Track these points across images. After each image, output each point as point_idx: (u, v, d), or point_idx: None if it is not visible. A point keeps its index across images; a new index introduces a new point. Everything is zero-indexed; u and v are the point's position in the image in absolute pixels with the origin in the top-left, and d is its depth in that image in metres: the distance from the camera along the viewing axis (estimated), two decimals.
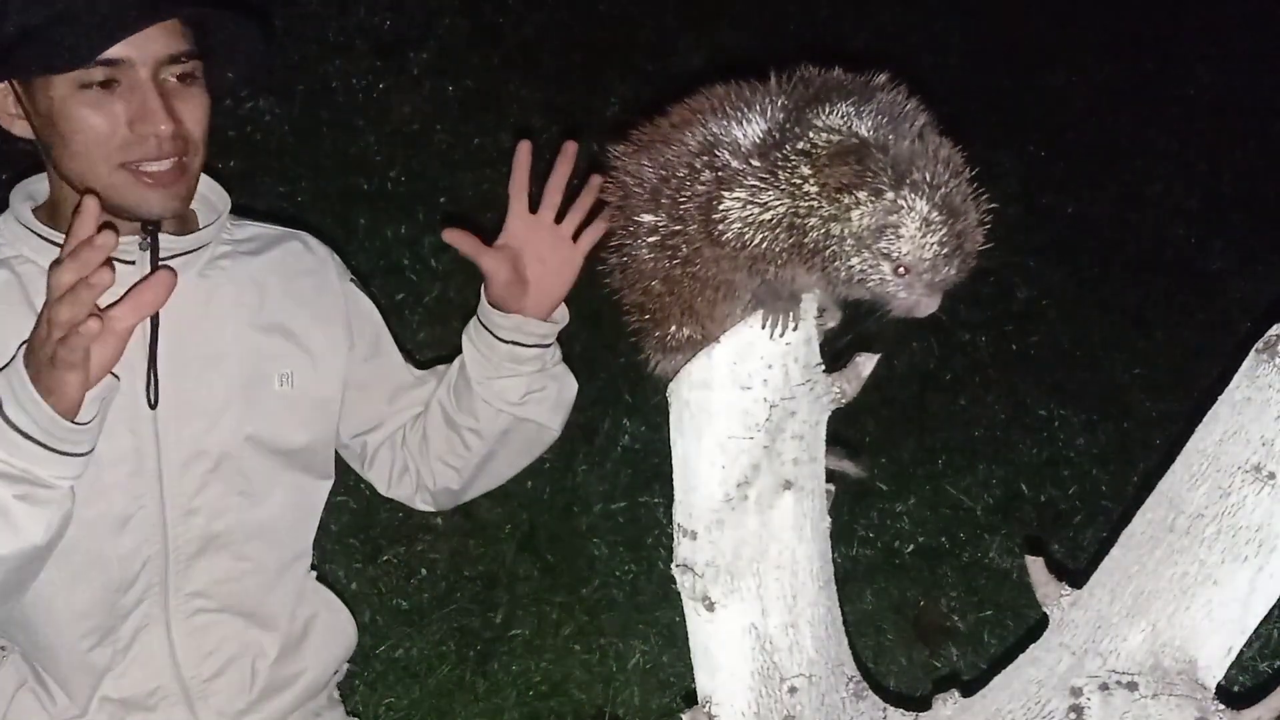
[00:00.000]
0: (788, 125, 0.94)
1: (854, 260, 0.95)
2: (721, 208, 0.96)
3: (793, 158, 0.93)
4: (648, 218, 1.02)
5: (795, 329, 0.99)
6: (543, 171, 1.48)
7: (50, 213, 1.42)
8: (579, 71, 3.70)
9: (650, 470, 2.84)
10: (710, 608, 1.03)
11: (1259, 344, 0.93)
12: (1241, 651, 0.97)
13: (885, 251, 0.94)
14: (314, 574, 1.63)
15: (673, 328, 1.07)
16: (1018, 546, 2.79)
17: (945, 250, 0.93)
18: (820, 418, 1.03)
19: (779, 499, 1.01)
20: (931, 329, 3.16)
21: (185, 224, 1.46)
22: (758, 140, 0.95)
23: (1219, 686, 0.97)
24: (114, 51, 1.28)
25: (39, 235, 1.39)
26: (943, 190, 0.92)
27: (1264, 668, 2.47)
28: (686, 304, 1.04)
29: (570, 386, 1.59)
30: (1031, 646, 1.03)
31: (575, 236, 1.48)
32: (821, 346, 1.03)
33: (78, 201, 1.36)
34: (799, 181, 0.93)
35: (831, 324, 1.05)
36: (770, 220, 0.95)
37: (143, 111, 1.31)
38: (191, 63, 1.35)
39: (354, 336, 1.56)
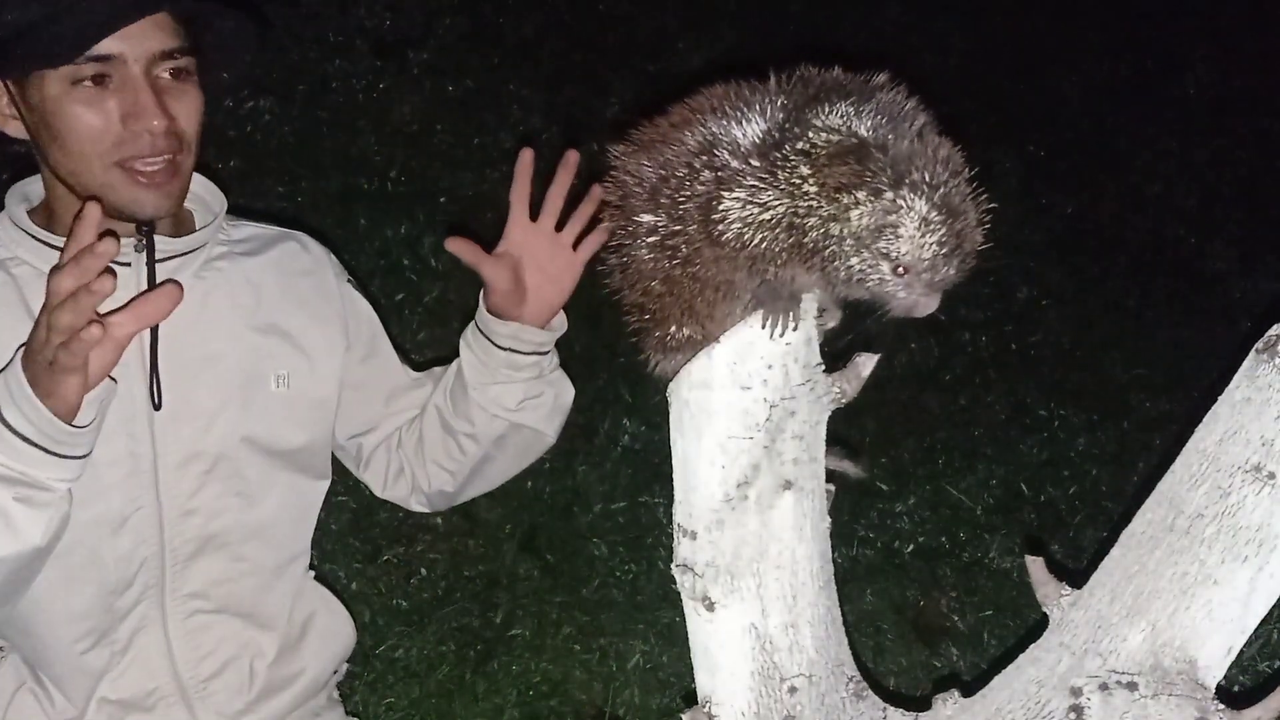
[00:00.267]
0: (787, 125, 0.94)
1: (853, 260, 0.95)
2: (721, 208, 0.96)
3: (792, 158, 0.93)
4: (647, 218, 1.02)
5: (795, 329, 0.99)
6: (540, 174, 1.48)
7: (45, 215, 1.41)
8: (579, 71, 3.70)
9: (650, 470, 2.84)
10: (710, 608, 1.03)
11: (1259, 344, 0.93)
12: (1241, 651, 0.97)
13: (884, 251, 0.94)
14: (312, 573, 1.63)
15: (673, 328, 1.07)
16: (1018, 546, 2.80)
17: (944, 250, 0.93)
18: (820, 418, 1.03)
19: (779, 499, 1.01)
20: (931, 329, 3.16)
21: (181, 225, 1.46)
22: (757, 140, 0.95)
23: (1219, 686, 0.97)
24: (106, 47, 1.28)
25: (34, 238, 1.38)
26: (942, 190, 0.92)
27: (1264, 668, 2.47)
28: (686, 304, 1.04)
29: (567, 392, 1.59)
30: (1031, 646, 1.03)
31: (575, 245, 1.48)
32: (821, 346, 1.03)
33: (73, 203, 1.37)
34: (798, 181, 0.93)
35: (831, 324, 1.05)
36: (770, 220, 0.95)
37: (135, 108, 1.30)
38: (185, 59, 1.34)
39: (350, 337, 1.56)
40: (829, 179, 0.92)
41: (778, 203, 0.94)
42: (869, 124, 0.93)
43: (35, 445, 1.16)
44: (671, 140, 1.00)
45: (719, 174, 0.96)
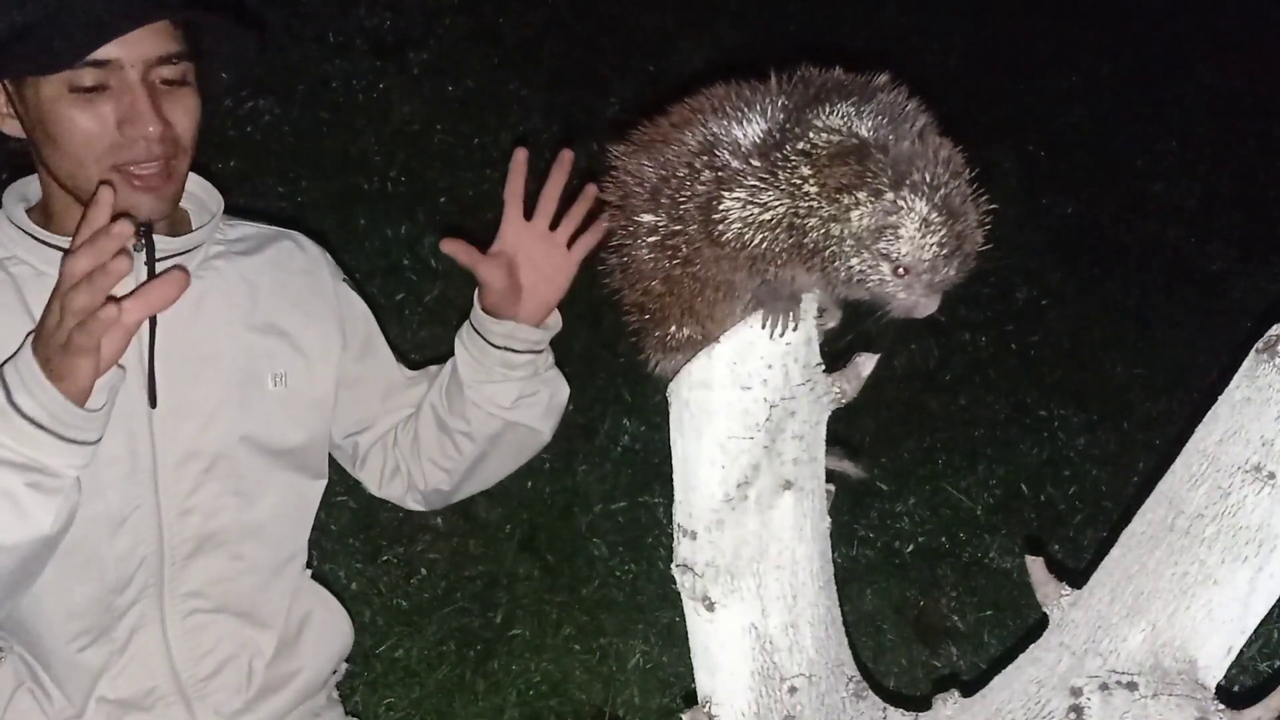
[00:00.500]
0: (788, 125, 0.94)
1: (854, 260, 0.95)
2: (721, 208, 0.96)
3: (793, 158, 0.93)
4: (647, 218, 1.02)
5: (795, 329, 0.99)
6: (540, 173, 1.49)
7: (42, 215, 1.42)
8: (579, 71, 3.70)
9: (650, 470, 2.84)
10: (710, 608, 1.03)
11: (1259, 344, 0.93)
12: (1241, 651, 0.97)
13: (885, 252, 0.94)
14: (309, 572, 1.63)
15: (673, 328, 1.07)
16: (1018, 546, 2.80)
17: (945, 251, 0.93)
18: (820, 418, 1.03)
19: (779, 499, 1.01)
20: (931, 329, 3.15)
21: (178, 224, 1.46)
22: (758, 140, 0.95)
23: (1219, 686, 0.97)
24: (103, 52, 1.28)
25: (33, 237, 1.38)
26: (942, 191, 0.92)
27: (1264, 668, 2.47)
28: (686, 304, 1.04)
29: (562, 391, 1.59)
30: (1031, 646, 1.03)
31: (570, 244, 1.48)
32: (821, 346, 1.03)
33: (69, 203, 1.37)
34: (799, 182, 0.93)
35: (831, 324, 1.05)
36: (770, 220, 0.95)
37: (132, 113, 1.31)
38: (182, 64, 1.34)
39: (346, 336, 1.56)
40: (830, 179, 0.92)
41: (778, 203, 0.94)
42: (870, 124, 0.93)
43: (45, 430, 1.16)
44: (672, 140, 1.00)
45: (719, 174, 0.96)
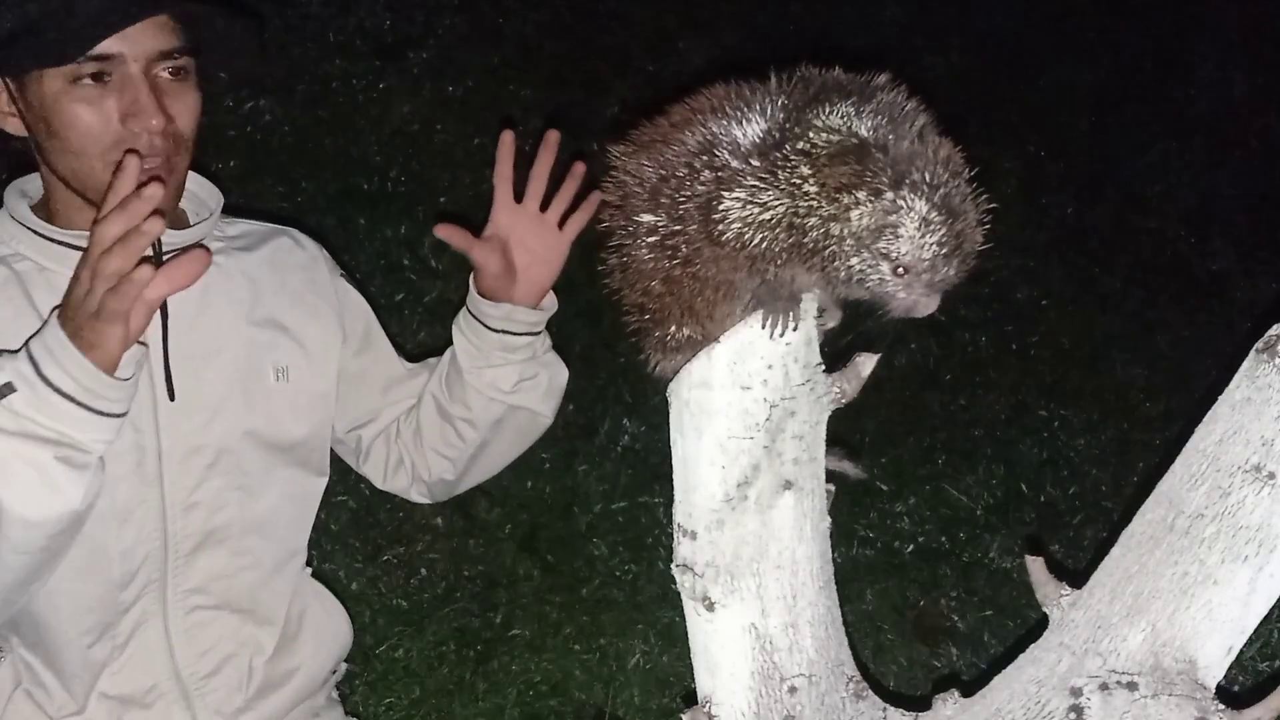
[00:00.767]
0: (788, 125, 0.94)
1: (853, 260, 0.95)
2: (721, 208, 0.96)
3: (792, 158, 0.93)
4: (647, 218, 1.02)
5: (795, 329, 0.99)
6: (532, 163, 1.50)
7: (44, 211, 1.42)
8: (579, 71, 3.70)
9: (650, 470, 2.84)
10: (710, 608, 1.03)
11: (1259, 344, 0.93)
12: (1241, 651, 0.97)
13: (884, 252, 0.94)
14: (309, 571, 1.64)
15: (673, 328, 1.07)
16: (1018, 546, 2.79)
17: (944, 250, 0.93)
18: (820, 418, 1.03)
19: (779, 499, 1.01)
20: (931, 329, 3.15)
21: (176, 222, 1.46)
22: (758, 140, 0.95)
23: (1219, 686, 0.97)
24: (106, 46, 1.29)
25: (36, 232, 1.39)
26: (942, 190, 0.92)
27: (1264, 668, 2.47)
28: (686, 304, 1.04)
29: (561, 373, 1.60)
30: (1031, 646, 1.03)
31: (561, 224, 1.49)
32: (821, 346, 1.03)
33: (71, 199, 1.37)
34: (799, 181, 0.93)
35: (831, 324, 1.05)
36: (770, 220, 0.95)
37: (134, 107, 1.31)
38: (184, 59, 1.35)
39: (346, 330, 1.57)
40: (829, 179, 0.92)
41: (778, 203, 0.94)
42: (869, 124, 0.93)
43: (76, 402, 1.16)
44: (672, 140, 1.00)
45: (719, 174, 0.96)
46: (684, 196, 0.98)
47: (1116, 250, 3.66)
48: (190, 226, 1.46)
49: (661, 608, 2.56)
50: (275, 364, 1.49)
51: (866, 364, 1.04)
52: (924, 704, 1.08)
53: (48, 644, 1.44)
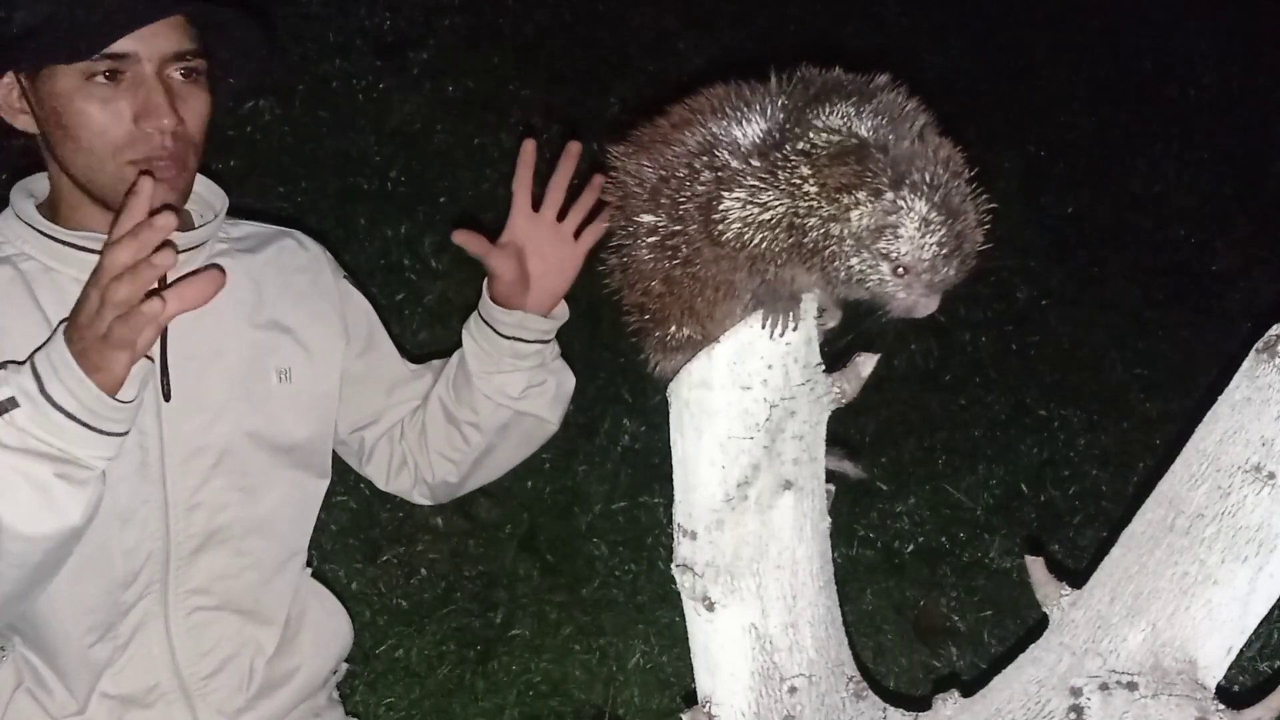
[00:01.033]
0: (788, 125, 0.94)
1: (853, 260, 0.95)
2: (721, 208, 0.96)
3: (792, 158, 0.93)
4: (648, 218, 1.02)
5: (795, 329, 0.99)
6: (543, 171, 1.50)
7: (50, 211, 1.42)
8: (579, 71, 3.70)
9: (650, 470, 2.84)
10: (710, 608, 1.03)
11: (1259, 344, 0.93)
12: (1241, 651, 0.97)
13: (884, 252, 0.94)
14: (309, 571, 1.64)
15: (673, 328, 1.07)
16: (1018, 546, 2.80)
17: (944, 251, 0.93)
18: (820, 418, 1.03)
19: (779, 499, 1.01)
20: (931, 329, 3.15)
21: (181, 222, 1.46)
22: (758, 140, 0.95)
23: (1219, 686, 0.97)
24: (120, 46, 1.29)
25: (42, 233, 1.39)
26: (942, 191, 0.92)
27: (1264, 668, 2.47)
28: (686, 304, 1.04)
29: (568, 381, 1.61)
30: (1031, 646, 1.03)
31: (577, 235, 1.49)
32: (821, 346, 1.03)
33: (79, 199, 1.38)
34: (799, 182, 0.93)
35: (831, 324, 1.05)
36: (770, 220, 0.95)
37: (147, 107, 1.32)
38: (196, 61, 1.36)
39: (349, 332, 1.57)
40: (829, 179, 0.92)
41: (778, 203, 0.94)
42: (870, 124, 0.93)
43: (77, 421, 1.16)
44: (672, 140, 1.00)
45: (719, 174, 0.96)
46: (684, 197, 0.98)
47: (1116, 250, 3.67)
48: (195, 228, 1.46)
49: (661, 608, 2.56)
50: (278, 365, 1.49)
51: (866, 364, 1.04)
52: (924, 704, 1.08)
53: (49, 644, 1.44)
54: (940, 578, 2.77)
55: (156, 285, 1.13)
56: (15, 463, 1.16)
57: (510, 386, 1.54)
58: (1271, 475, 0.91)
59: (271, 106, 3.37)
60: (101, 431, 1.18)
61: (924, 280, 0.95)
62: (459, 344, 1.58)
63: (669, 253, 1.02)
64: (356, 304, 1.61)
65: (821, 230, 0.94)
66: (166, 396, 1.40)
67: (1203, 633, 0.95)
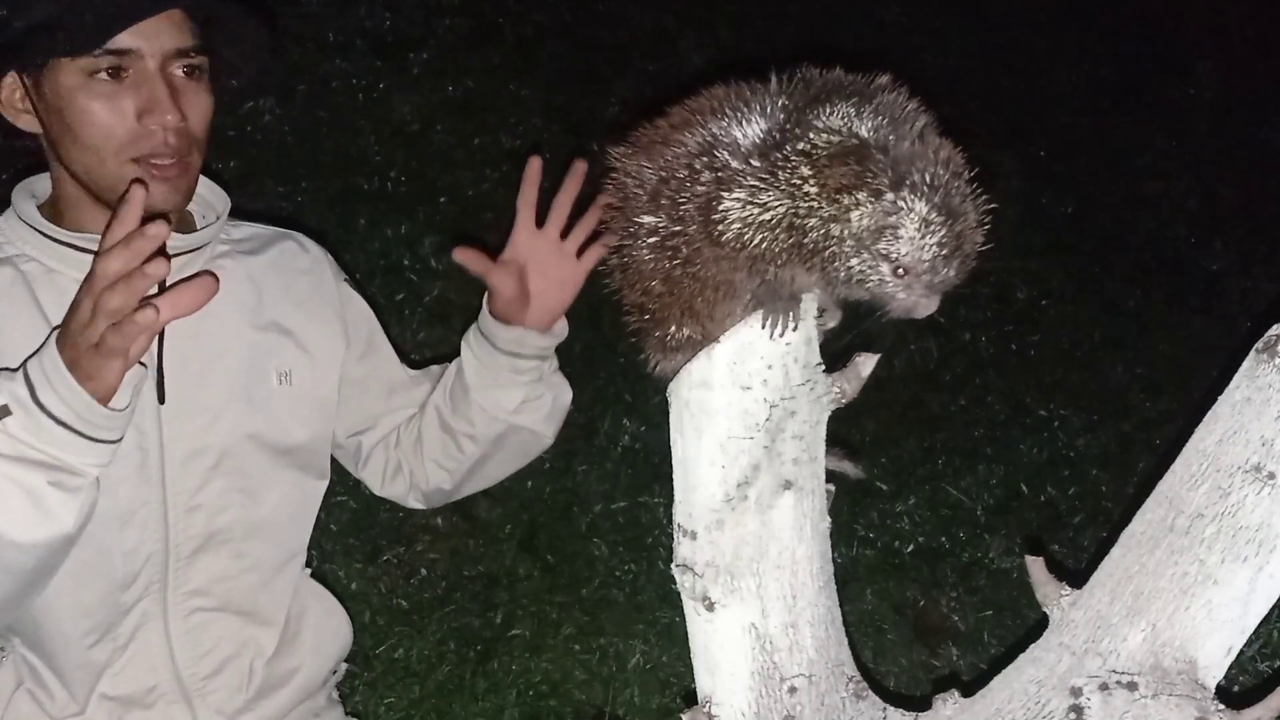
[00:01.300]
0: (788, 126, 0.94)
1: (853, 261, 0.95)
2: (721, 208, 0.96)
3: (793, 158, 0.93)
4: (648, 219, 1.02)
5: (795, 329, 0.99)
6: (543, 174, 1.49)
7: (51, 211, 1.42)
8: (579, 71, 3.70)
9: (650, 470, 2.84)
10: (710, 608, 1.03)
11: (1259, 344, 0.93)
12: (1241, 651, 0.97)
13: (884, 252, 0.94)
14: (309, 571, 1.64)
15: (673, 328, 1.07)
16: (1018, 546, 2.80)
17: (944, 251, 0.93)
18: (820, 418, 1.03)
19: (779, 499, 1.01)
20: (931, 329, 3.16)
21: (183, 224, 1.46)
22: (758, 141, 0.95)
23: (1219, 686, 0.97)
24: (123, 41, 1.29)
25: (42, 233, 1.39)
26: (942, 191, 0.92)
27: (1264, 668, 2.47)
28: (686, 304, 1.04)
29: (565, 395, 1.61)
30: (1031, 646, 1.03)
31: (580, 253, 1.49)
32: (821, 346, 1.03)
33: (81, 199, 1.37)
34: (799, 182, 0.93)
35: (831, 324, 1.05)
36: (770, 220, 0.95)
37: (150, 103, 1.31)
38: (199, 58, 1.36)
39: (349, 335, 1.57)
40: (829, 180, 0.92)
41: (778, 203, 0.94)
42: (870, 125, 0.93)
43: (69, 429, 1.16)
44: (672, 141, 1.00)
45: (719, 175, 0.96)
46: (684, 197, 0.98)
47: (1116, 250, 3.67)
48: (197, 230, 1.46)
49: (661, 608, 2.57)
50: (278, 367, 1.49)
51: (866, 364, 1.04)
52: (924, 704, 1.08)
53: (49, 645, 1.44)
54: (940, 578, 2.77)
55: (154, 289, 1.12)
56: (8, 470, 1.16)
57: (506, 400, 1.54)
58: (1271, 475, 0.91)
59: (271, 106, 3.37)
60: (94, 439, 1.17)
61: (924, 281, 0.95)
62: (458, 345, 1.57)
63: (669, 253, 1.02)
64: (357, 307, 1.61)
65: (822, 231, 0.94)
66: (161, 400, 1.40)
67: (1203, 633, 0.95)
